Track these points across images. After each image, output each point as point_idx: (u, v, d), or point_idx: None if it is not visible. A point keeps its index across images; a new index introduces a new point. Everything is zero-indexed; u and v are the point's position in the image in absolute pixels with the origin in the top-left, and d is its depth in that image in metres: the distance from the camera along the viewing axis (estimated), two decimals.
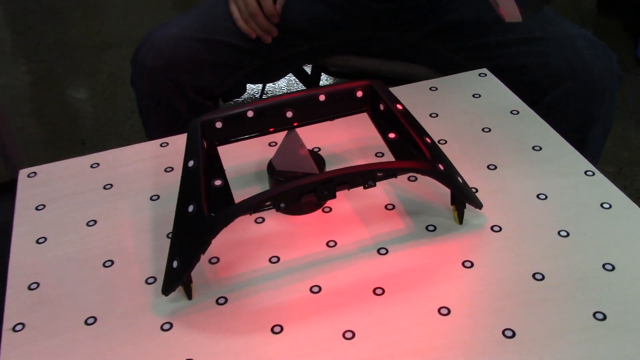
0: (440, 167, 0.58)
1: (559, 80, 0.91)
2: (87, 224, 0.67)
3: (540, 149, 0.72)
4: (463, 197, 0.60)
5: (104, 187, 0.72)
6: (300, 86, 1.75)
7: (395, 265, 0.60)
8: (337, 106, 0.65)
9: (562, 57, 0.91)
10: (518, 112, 0.78)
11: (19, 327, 0.57)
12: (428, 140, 0.61)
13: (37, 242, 0.66)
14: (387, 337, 0.53)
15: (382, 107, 0.64)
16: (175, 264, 0.56)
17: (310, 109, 0.64)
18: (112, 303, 0.58)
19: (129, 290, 0.59)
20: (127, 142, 1.79)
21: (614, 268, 0.58)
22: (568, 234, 0.61)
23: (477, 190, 0.67)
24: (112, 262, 0.62)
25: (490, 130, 0.76)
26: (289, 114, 0.63)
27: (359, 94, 0.64)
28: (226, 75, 1.02)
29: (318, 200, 0.56)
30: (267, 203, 0.55)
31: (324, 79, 1.97)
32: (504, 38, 0.95)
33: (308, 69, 1.34)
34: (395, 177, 0.59)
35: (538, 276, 0.57)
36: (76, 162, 0.76)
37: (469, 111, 0.79)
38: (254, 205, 0.54)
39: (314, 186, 0.55)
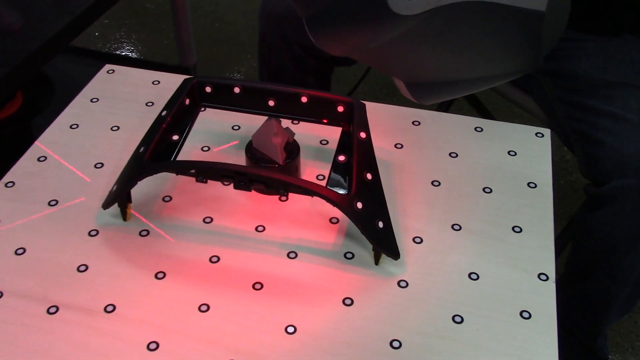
0: (358, 205, 0.60)
1: (624, 173, 0.81)
2: (111, 129, 0.80)
3: (520, 230, 0.68)
4: (372, 242, 0.61)
5: (146, 104, 0.83)
6: None
7: (288, 271, 0.63)
8: (318, 112, 0.67)
9: (637, 149, 0.81)
10: (535, 186, 0.73)
11: (10, 184, 0.72)
12: (368, 176, 0.62)
13: (71, 127, 0.80)
14: (233, 328, 0.59)
15: (351, 128, 0.65)
16: (114, 187, 0.66)
17: (291, 105, 0.67)
18: (80, 195, 0.70)
19: (102, 196, 0.71)
20: None
21: None
22: (463, 321, 0.60)
23: (421, 241, 0.67)
24: (102, 164, 0.74)
25: (491, 191, 0.73)
26: (271, 103, 0.68)
27: (340, 108, 0.66)
28: None
29: (235, 188, 0.61)
30: (192, 171, 0.62)
31: None
32: (601, 107, 0.86)
33: None
34: (312, 197, 0.61)
35: (395, 343, 0.58)
36: (145, 74, 0.88)
37: (488, 165, 0.76)
38: (178, 169, 0.62)
39: (231, 174, 0.60)
